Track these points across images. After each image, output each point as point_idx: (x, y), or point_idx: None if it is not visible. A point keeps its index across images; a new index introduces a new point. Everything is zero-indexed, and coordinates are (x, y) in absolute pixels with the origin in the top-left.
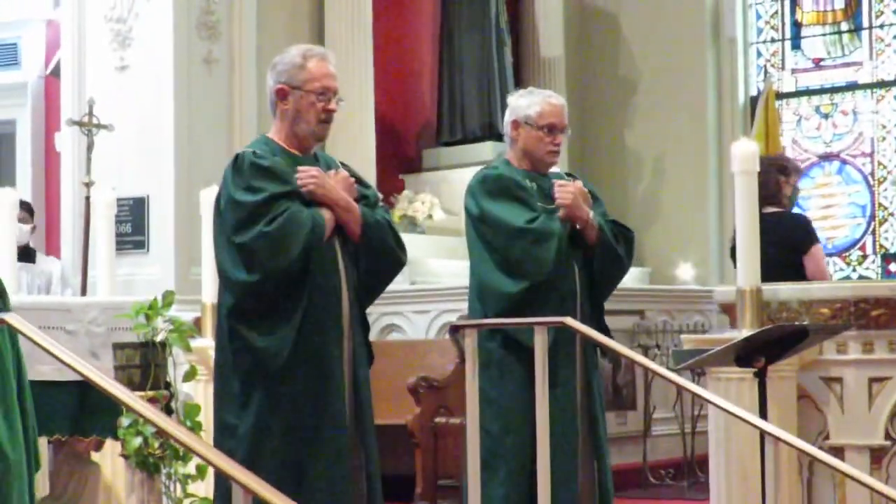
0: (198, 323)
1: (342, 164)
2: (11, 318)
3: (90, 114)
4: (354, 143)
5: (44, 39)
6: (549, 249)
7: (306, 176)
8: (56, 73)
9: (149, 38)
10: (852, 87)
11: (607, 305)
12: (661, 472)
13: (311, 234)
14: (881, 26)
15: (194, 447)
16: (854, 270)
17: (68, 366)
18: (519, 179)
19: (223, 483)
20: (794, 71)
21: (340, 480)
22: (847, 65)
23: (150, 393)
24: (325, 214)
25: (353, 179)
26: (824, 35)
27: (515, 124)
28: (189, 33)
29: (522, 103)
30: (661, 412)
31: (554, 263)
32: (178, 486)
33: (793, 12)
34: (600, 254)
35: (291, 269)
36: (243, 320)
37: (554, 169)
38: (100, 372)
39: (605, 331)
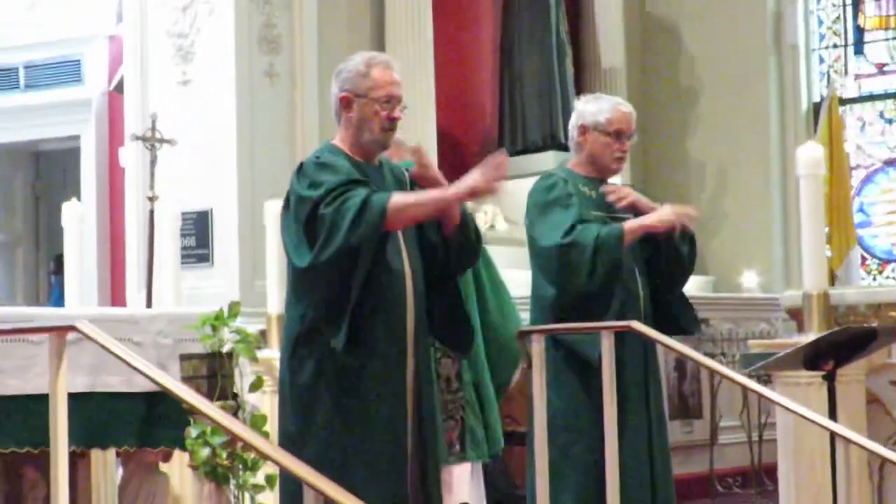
0: (263, 335)
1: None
2: (83, 324)
3: (153, 128)
4: None
5: (107, 55)
6: (582, 262)
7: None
8: (119, 88)
9: (211, 52)
10: None
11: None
12: (729, 481)
13: (361, 209)
14: None
15: (266, 451)
16: None
17: (144, 374)
18: (573, 188)
19: (290, 492)
20: (857, 76)
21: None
22: None
23: (218, 403)
24: (399, 196)
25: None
26: (887, 40)
27: (583, 129)
28: (250, 47)
29: (591, 108)
30: (727, 420)
31: (589, 275)
32: (247, 496)
33: (855, 17)
34: (666, 251)
35: (341, 245)
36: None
37: (614, 179)
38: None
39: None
